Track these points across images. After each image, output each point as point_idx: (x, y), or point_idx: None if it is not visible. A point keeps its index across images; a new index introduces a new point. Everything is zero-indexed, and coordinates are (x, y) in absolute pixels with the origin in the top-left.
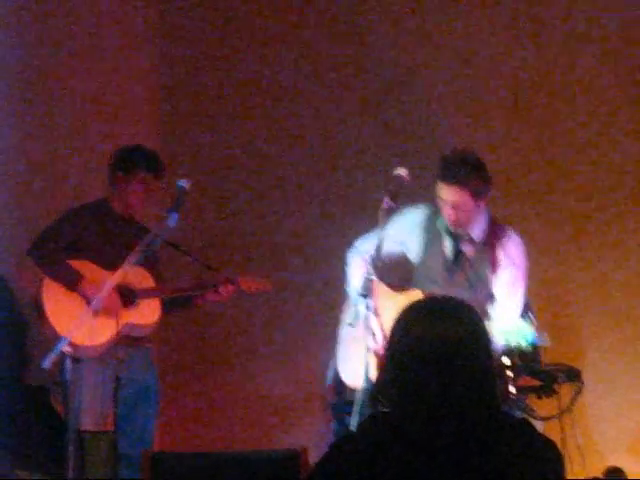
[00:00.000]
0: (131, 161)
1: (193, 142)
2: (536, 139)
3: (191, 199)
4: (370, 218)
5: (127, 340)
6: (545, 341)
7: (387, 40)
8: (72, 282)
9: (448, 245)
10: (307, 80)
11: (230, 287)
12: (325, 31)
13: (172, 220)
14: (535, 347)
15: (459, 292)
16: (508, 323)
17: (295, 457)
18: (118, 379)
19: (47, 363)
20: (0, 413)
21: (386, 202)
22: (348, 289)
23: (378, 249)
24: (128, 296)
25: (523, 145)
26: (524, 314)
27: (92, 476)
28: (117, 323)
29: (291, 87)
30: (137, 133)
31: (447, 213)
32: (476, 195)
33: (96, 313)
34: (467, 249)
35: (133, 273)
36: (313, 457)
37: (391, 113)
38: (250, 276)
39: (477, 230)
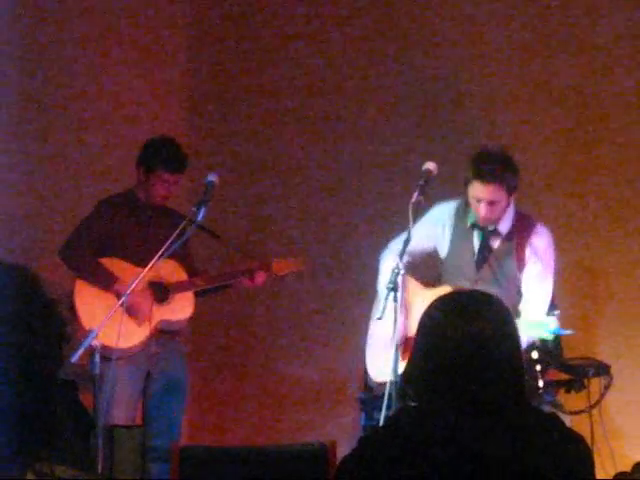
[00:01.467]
0: (152, 158)
1: (221, 133)
2: (569, 125)
3: (219, 189)
4: (401, 212)
5: (159, 334)
6: (568, 332)
7: (418, 35)
8: (106, 284)
9: (476, 240)
10: (336, 74)
11: (263, 273)
12: (356, 26)
13: (200, 214)
14: (558, 338)
15: (486, 287)
16: (532, 316)
17: (324, 451)
18: (149, 374)
19: (75, 357)
20: (32, 409)
21: (415, 196)
22: (379, 287)
23: (406, 243)
24: (161, 292)
25: (554, 130)
26: (550, 308)
27: (121, 470)
28: (150, 322)
29: (320, 81)
30: (164, 122)
31: (482, 211)
32: (510, 190)
33: (129, 313)
34: (495, 244)
35: (164, 267)
36: (342, 451)
37: (421, 109)
38: (283, 259)
39: (505, 224)
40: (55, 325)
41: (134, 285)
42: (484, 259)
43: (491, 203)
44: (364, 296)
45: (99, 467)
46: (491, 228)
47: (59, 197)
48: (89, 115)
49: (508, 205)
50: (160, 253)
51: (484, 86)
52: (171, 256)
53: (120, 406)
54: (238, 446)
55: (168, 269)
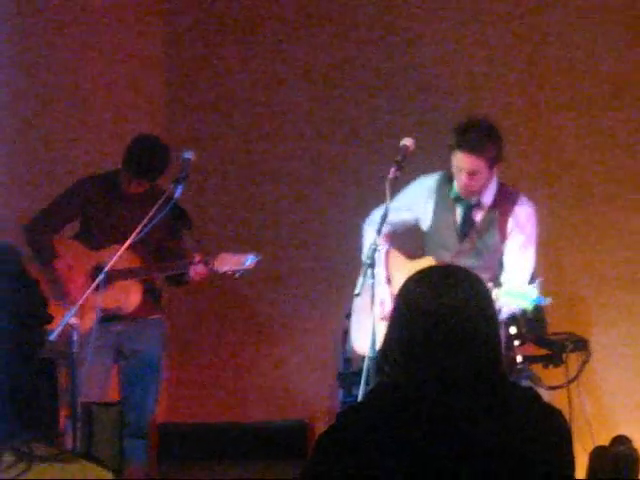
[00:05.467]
0: (125, 158)
1: (199, 118)
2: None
3: (197, 174)
4: (380, 188)
5: (124, 315)
6: (548, 301)
7: (391, 12)
8: (46, 259)
9: (459, 213)
10: (314, 54)
11: (202, 267)
12: (341, 16)
13: (178, 191)
14: (538, 308)
15: (467, 259)
16: (513, 287)
17: (303, 427)
18: (119, 352)
19: (54, 335)
20: (11, 388)
21: (392, 172)
22: (363, 257)
23: (383, 218)
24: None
25: (541, 111)
26: (531, 279)
27: (99, 448)
28: (88, 307)
29: (297, 62)
30: (142, 105)
31: (462, 181)
32: (492, 162)
33: (65, 294)
34: (477, 216)
35: (112, 252)
36: (322, 427)
37: (399, 84)
38: (229, 254)
39: (487, 195)
40: (36, 305)
41: (112, 261)
42: (466, 231)
43: (472, 173)
44: (346, 273)
45: (77, 444)
46: (474, 201)
47: (43, 195)
48: (74, 111)
49: (491, 176)
50: (133, 236)
51: (457, 58)
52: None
53: (91, 383)
54: (216, 422)
55: (114, 255)
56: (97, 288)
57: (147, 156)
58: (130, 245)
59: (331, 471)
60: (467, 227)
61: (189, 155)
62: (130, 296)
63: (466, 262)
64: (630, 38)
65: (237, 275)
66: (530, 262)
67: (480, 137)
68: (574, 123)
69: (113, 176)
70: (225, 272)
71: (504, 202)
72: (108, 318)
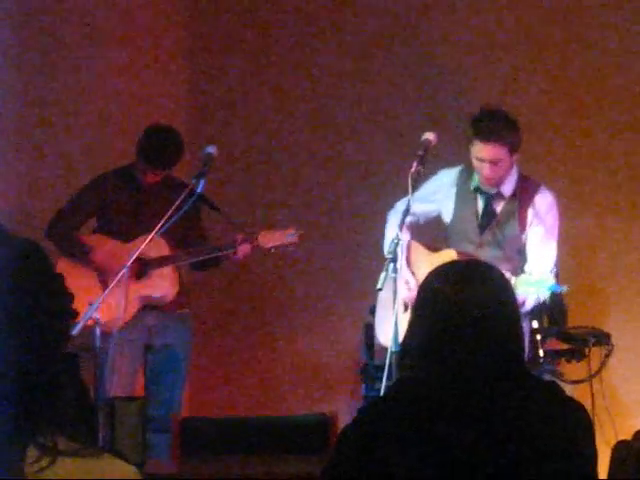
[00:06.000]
0: (138, 146)
1: (222, 106)
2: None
3: (220, 163)
4: (403, 182)
5: (156, 307)
6: (564, 288)
7: (417, 7)
8: (82, 254)
9: (480, 204)
10: (340, 46)
11: (248, 245)
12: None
13: (199, 186)
14: (557, 300)
15: (489, 250)
16: (530, 275)
17: (326, 422)
18: (149, 346)
19: (76, 330)
20: (34, 382)
21: (414, 166)
22: (385, 250)
23: (405, 213)
24: (140, 267)
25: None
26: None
27: (123, 443)
28: (127, 296)
29: (321, 53)
30: (164, 95)
31: (484, 171)
32: (513, 149)
33: (107, 286)
34: (498, 207)
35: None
36: (343, 422)
37: (423, 79)
38: (269, 231)
39: (507, 185)
40: (60, 299)
41: (135, 256)
42: (487, 223)
43: (494, 162)
44: (371, 266)
45: (100, 439)
46: (493, 191)
47: (58, 193)
48: (88, 109)
49: (511, 166)
50: (160, 226)
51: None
52: (168, 231)
53: (119, 378)
54: (239, 417)
55: (150, 245)
56: (137, 278)
57: (161, 145)
58: (158, 235)
59: (354, 465)
60: (488, 218)
61: (211, 150)
62: (170, 283)
63: (488, 253)
64: None
65: (282, 250)
66: (551, 254)
67: (497, 124)
68: (606, 119)
69: (129, 169)
70: (270, 248)
71: (524, 192)
72: (147, 307)
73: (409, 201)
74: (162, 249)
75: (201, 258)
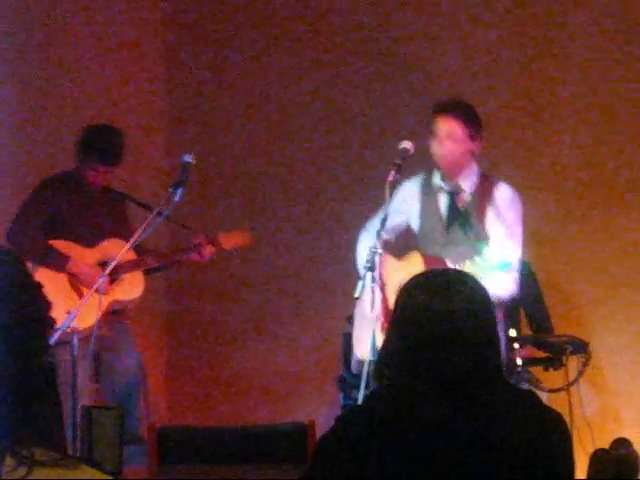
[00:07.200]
0: (87, 147)
1: (198, 112)
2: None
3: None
4: (379, 191)
5: (108, 316)
6: (511, 264)
7: (391, 18)
8: (60, 265)
9: (443, 203)
10: (314, 52)
11: (211, 247)
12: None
13: (178, 195)
14: (548, 317)
15: (456, 248)
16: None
17: (303, 431)
18: (99, 356)
19: (53, 339)
20: (16, 390)
21: (392, 175)
22: (358, 267)
23: (384, 221)
24: (111, 272)
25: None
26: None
27: (99, 451)
28: (104, 302)
29: (296, 60)
30: (141, 109)
31: (439, 148)
32: (467, 124)
33: (81, 293)
34: (460, 203)
35: (113, 247)
36: (322, 431)
37: (398, 88)
38: (228, 232)
39: (469, 182)
40: (39, 308)
41: (113, 264)
42: (452, 220)
43: (448, 137)
44: (346, 276)
45: (77, 448)
46: (456, 189)
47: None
48: (63, 114)
49: (469, 153)
50: (136, 236)
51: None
52: (119, 236)
53: (84, 387)
54: (217, 426)
55: (116, 249)
56: (110, 282)
57: (114, 141)
58: (115, 239)
59: (332, 474)
60: (452, 216)
61: (189, 159)
62: (140, 287)
63: (454, 252)
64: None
65: (238, 251)
66: (515, 250)
67: (454, 101)
68: (572, 121)
69: (75, 174)
70: (230, 248)
71: (484, 188)
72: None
73: (386, 209)
74: (129, 253)
75: (166, 261)
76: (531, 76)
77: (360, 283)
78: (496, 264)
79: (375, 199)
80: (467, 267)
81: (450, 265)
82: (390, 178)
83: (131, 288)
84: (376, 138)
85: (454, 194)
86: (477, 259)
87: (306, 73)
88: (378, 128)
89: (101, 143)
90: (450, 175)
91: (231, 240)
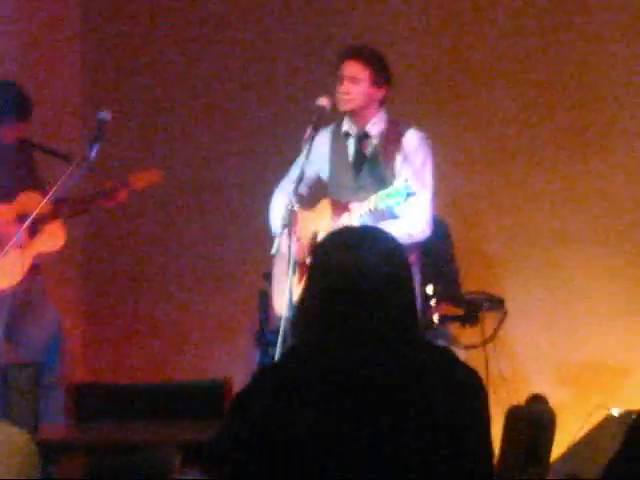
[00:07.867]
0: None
1: (116, 75)
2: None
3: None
4: (296, 150)
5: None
6: (413, 190)
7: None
8: None
9: (351, 148)
10: (233, 14)
11: (124, 189)
12: None
13: (93, 152)
14: (456, 275)
15: (366, 194)
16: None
17: (220, 387)
18: (12, 310)
19: None
20: None
21: (308, 132)
22: (272, 223)
23: (299, 179)
24: (31, 225)
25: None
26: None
27: (15, 409)
28: (27, 256)
29: (216, 23)
30: (58, 67)
31: (341, 90)
32: (372, 69)
33: (4, 250)
34: (368, 150)
35: (28, 200)
36: (239, 387)
37: (318, 45)
38: (137, 172)
39: (375, 126)
40: None
41: (32, 218)
42: (360, 166)
43: (351, 80)
44: (265, 234)
45: None
46: (362, 133)
47: None
48: None
49: (373, 99)
50: (53, 191)
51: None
52: (33, 188)
53: None
54: (134, 383)
55: (32, 202)
56: (31, 236)
57: (23, 94)
58: (30, 192)
59: (246, 431)
60: (360, 161)
61: (104, 115)
62: (62, 237)
63: (364, 197)
64: None
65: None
66: (423, 195)
67: (360, 45)
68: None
69: None
70: (141, 188)
71: (391, 133)
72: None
73: (302, 166)
74: (45, 204)
75: (83, 208)
76: (459, 36)
77: (277, 240)
78: (398, 190)
79: (295, 154)
80: (372, 201)
81: (356, 207)
82: (306, 135)
83: (52, 239)
84: (294, 101)
85: (361, 140)
86: (380, 191)
87: (223, 20)
88: (302, 82)
89: (13, 98)
90: (358, 122)
91: (141, 180)
